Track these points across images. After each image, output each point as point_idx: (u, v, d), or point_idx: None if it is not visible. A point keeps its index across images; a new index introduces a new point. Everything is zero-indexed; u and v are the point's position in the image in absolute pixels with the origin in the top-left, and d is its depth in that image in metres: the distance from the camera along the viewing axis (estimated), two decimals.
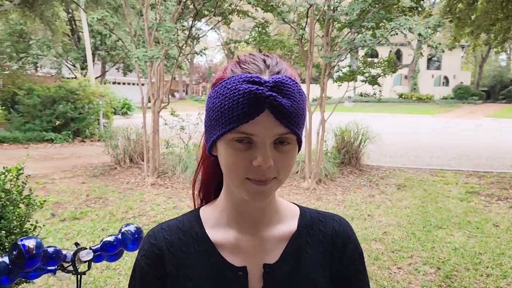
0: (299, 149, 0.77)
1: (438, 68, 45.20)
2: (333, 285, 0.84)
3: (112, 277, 3.71)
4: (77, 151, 10.98)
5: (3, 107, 14.47)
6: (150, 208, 5.72)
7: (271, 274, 0.80)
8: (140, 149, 8.13)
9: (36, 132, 12.37)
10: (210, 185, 0.91)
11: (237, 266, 0.80)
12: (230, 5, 7.25)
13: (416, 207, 5.93)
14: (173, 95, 43.66)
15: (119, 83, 33.11)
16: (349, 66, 6.50)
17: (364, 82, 7.20)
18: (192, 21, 6.35)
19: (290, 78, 0.70)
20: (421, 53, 5.98)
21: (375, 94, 7.22)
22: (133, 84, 36.33)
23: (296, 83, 0.71)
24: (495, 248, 4.44)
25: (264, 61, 0.72)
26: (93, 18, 6.12)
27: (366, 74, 7.11)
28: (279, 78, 0.68)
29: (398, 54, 41.53)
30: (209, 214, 0.86)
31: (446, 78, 44.68)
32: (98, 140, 12.53)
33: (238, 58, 0.75)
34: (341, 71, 6.64)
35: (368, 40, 5.37)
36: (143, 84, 7.27)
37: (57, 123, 12.64)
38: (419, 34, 4.77)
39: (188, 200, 6.10)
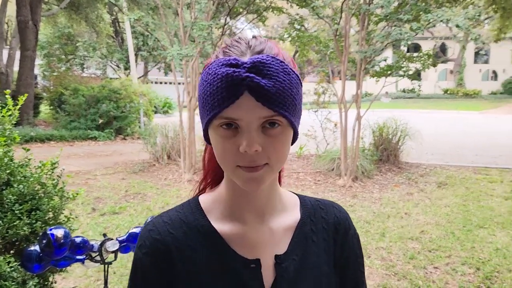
0: (296, 138, 0.74)
1: (486, 62, 43.06)
2: (334, 269, 0.84)
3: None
4: (119, 149, 11.37)
5: (51, 107, 15.20)
6: None
7: (282, 265, 0.78)
8: (177, 147, 8.30)
9: (81, 130, 12.90)
10: (216, 174, 0.86)
11: (249, 258, 0.77)
12: (263, 1, 7.24)
13: (457, 206, 5.72)
14: None
15: (160, 83, 33.81)
16: (385, 60, 6.33)
17: (402, 77, 7.00)
18: (225, 19, 6.41)
19: (273, 57, 0.67)
20: (463, 46, 5.70)
21: (414, 90, 7.00)
22: (174, 83, 36.87)
23: (281, 62, 0.68)
24: None
25: (248, 43, 0.70)
26: (130, 18, 6.30)
27: (405, 69, 6.91)
28: (258, 58, 0.65)
29: (443, 48, 40.01)
30: (210, 204, 0.82)
31: (494, 72, 42.54)
32: (139, 138, 12.91)
33: (225, 43, 0.73)
34: (378, 66, 6.48)
35: (405, 33, 5.21)
36: (179, 83, 7.42)
37: (100, 122, 13.12)
38: (457, 26, 4.58)
39: None
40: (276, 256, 0.79)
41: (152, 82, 26.34)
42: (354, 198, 6.13)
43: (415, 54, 7.37)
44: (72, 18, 20.11)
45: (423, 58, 7.06)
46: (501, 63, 41.66)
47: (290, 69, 0.69)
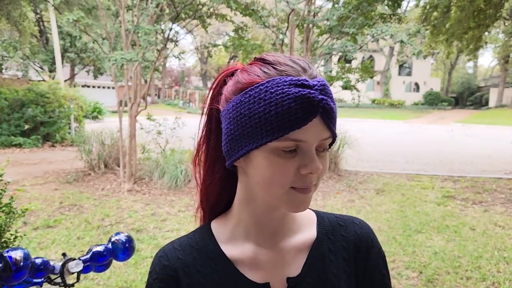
0: None
1: (409, 74, 46.34)
2: None
3: (90, 287, 3.57)
4: (47, 157, 10.62)
5: None
6: (127, 215, 5.55)
7: None
8: (115, 154, 7.91)
9: (3, 136, 11.90)
10: (222, 200, 0.84)
11: (258, 282, 0.75)
12: (209, 9, 7.17)
13: (396, 212, 5.99)
14: (143, 99, 42.79)
15: (88, 86, 32.22)
16: (330, 71, 6.54)
17: (342, 88, 7.26)
18: (172, 23, 6.24)
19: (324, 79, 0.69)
20: (398, 60, 6.05)
21: (353, 99, 7.29)
22: (104, 87, 35.42)
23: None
24: (473, 252, 4.51)
25: (295, 62, 0.67)
26: (68, 19, 5.93)
27: (345, 79, 7.17)
28: (323, 81, 0.66)
29: (371, 61, 42.37)
30: (222, 229, 0.81)
31: (416, 84, 45.86)
32: (71, 145, 12.16)
33: (263, 59, 0.69)
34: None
35: (350, 46, 5.41)
36: (109, 87, 7.12)
37: (26, 127, 12.19)
38: (401, 41, 4.85)
39: (167, 207, 5.97)
40: (288, 279, 0.76)
41: (79, 86, 25.00)
42: None
43: (353, 66, 7.68)
44: None
45: (361, 70, 7.37)
46: (422, 76, 45.09)
47: None
